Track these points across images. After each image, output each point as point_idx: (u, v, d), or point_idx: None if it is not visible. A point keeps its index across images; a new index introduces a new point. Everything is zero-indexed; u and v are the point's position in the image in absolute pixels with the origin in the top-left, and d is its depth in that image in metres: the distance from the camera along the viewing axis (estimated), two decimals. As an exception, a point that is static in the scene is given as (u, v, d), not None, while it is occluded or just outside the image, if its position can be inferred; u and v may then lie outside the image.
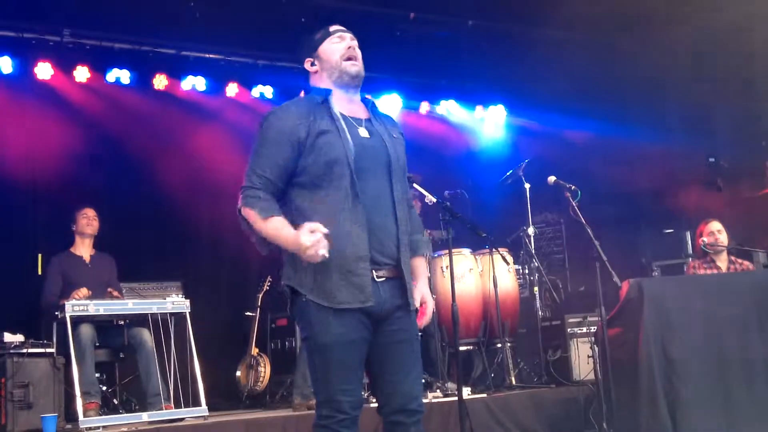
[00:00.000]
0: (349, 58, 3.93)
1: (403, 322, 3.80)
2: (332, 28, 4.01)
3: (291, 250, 3.61)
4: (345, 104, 3.92)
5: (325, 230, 3.52)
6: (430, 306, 3.98)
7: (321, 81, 3.95)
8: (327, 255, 3.52)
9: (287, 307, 3.80)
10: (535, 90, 10.87)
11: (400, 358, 3.79)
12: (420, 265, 4.01)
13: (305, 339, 3.75)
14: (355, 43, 3.99)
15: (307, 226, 3.54)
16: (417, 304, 3.88)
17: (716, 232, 8.07)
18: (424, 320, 3.95)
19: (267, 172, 3.72)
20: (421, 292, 3.94)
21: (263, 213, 3.66)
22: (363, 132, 3.85)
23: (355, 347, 3.69)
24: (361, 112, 3.97)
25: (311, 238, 3.50)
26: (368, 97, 4.05)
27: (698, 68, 10.09)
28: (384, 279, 3.74)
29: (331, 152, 3.70)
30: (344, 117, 3.84)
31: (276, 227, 3.64)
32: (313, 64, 3.99)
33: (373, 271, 3.71)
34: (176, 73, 9.84)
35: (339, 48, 3.94)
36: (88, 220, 7.96)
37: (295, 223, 3.64)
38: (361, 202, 3.69)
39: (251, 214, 3.68)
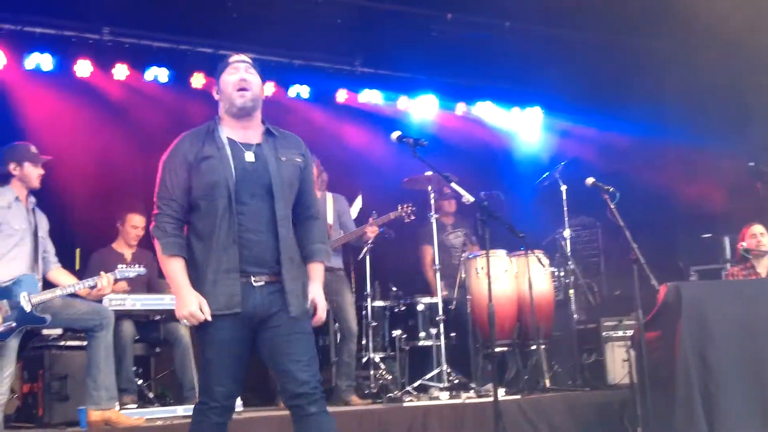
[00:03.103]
0: (239, 89, 4.24)
1: (288, 320, 4.17)
2: (231, 59, 4.36)
3: (174, 290, 4.12)
4: (239, 131, 4.28)
5: (203, 318, 4.04)
6: (321, 307, 4.35)
7: (221, 108, 4.32)
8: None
9: None
10: (572, 92, 10.83)
11: (289, 350, 4.16)
12: (314, 269, 4.39)
13: (196, 334, 4.25)
14: (250, 72, 4.33)
15: (195, 303, 4.03)
16: (308, 305, 4.28)
17: (758, 234, 7.99)
18: (314, 320, 4.34)
19: (173, 195, 4.15)
20: (313, 294, 4.33)
21: (165, 249, 4.13)
22: (249, 156, 4.21)
23: (229, 346, 4.14)
24: (255, 137, 4.30)
25: (186, 316, 4.05)
26: (267, 126, 4.37)
27: (738, 70, 9.99)
28: (263, 283, 4.14)
29: (212, 175, 4.11)
30: (233, 143, 4.22)
31: (174, 270, 4.12)
32: (217, 93, 4.35)
33: (251, 277, 4.11)
34: (214, 71, 9.85)
35: (232, 80, 4.27)
36: (137, 232, 8.03)
37: (189, 236, 4.18)
38: (237, 221, 4.09)
39: (156, 244, 4.15)
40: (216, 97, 4.35)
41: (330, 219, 8.06)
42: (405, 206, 8.32)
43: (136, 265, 6.79)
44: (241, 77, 4.27)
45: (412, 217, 8.39)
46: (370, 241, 8.31)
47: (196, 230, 4.17)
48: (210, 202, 4.11)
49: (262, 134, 4.33)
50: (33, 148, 6.31)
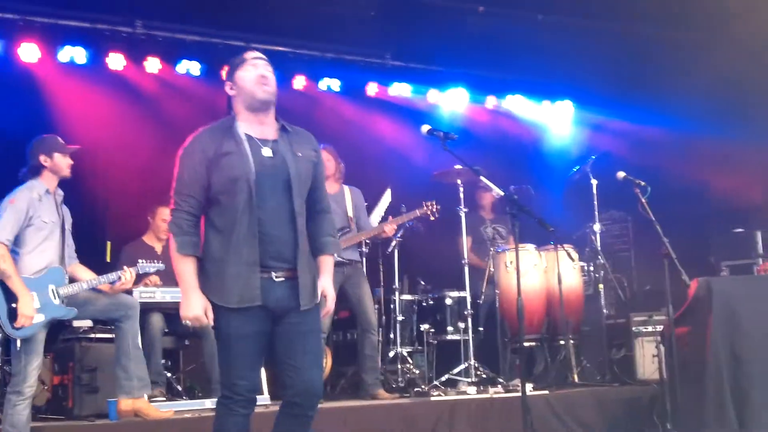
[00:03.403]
0: (260, 85, 4.31)
1: (304, 316, 4.27)
2: (247, 55, 4.43)
3: (182, 291, 4.19)
4: (256, 126, 4.35)
5: (206, 322, 4.16)
6: (330, 299, 4.44)
7: (237, 104, 4.36)
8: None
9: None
10: (603, 85, 10.76)
11: (303, 347, 4.27)
12: (325, 262, 4.47)
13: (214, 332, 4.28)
14: (268, 69, 4.40)
15: (201, 308, 4.13)
16: (318, 299, 4.37)
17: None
18: (324, 311, 4.44)
19: (191, 191, 4.21)
20: (322, 286, 4.41)
21: (180, 248, 4.21)
22: (267, 152, 4.28)
23: (251, 340, 4.22)
24: (271, 133, 4.37)
25: (192, 318, 4.16)
26: (282, 122, 4.44)
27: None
28: (283, 279, 4.22)
29: (233, 171, 4.17)
30: (250, 139, 4.28)
31: (185, 270, 4.18)
32: (231, 89, 4.38)
33: (272, 272, 4.20)
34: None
35: (252, 75, 4.32)
36: (167, 225, 8.05)
37: (207, 230, 4.26)
38: (257, 215, 4.17)
39: (171, 240, 4.23)
40: (231, 92, 4.39)
41: (350, 211, 8.04)
42: (429, 204, 8.26)
43: (159, 261, 6.83)
44: (261, 73, 4.34)
45: (437, 216, 8.33)
46: (398, 235, 8.32)
47: (214, 225, 4.23)
48: (230, 198, 4.16)
49: (277, 130, 4.40)
50: (59, 140, 6.36)
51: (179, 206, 4.23)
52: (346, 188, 8.13)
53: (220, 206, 4.20)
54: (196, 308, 4.13)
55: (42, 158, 6.17)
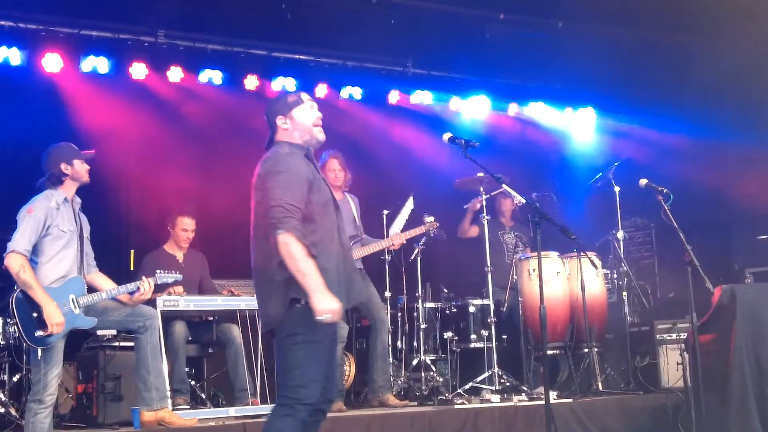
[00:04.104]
0: (318, 127, 4.75)
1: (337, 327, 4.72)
2: (303, 96, 4.80)
3: (309, 292, 4.30)
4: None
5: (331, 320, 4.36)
6: None
7: (289, 137, 4.72)
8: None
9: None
10: (625, 92, 10.74)
11: (335, 357, 4.77)
12: None
13: (291, 336, 4.43)
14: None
15: (337, 303, 4.33)
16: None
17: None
18: None
19: (296, 202, 4.44)
20: None
21: (306, 250, 4.37)
22: None
23: (331, 347, 4.62)
24: None
25: (334, 311, 4.33)
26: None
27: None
28: None
29: (325, 194, 4.62)
30: None
31: (313, 270, 4.33)
32: (285, 123, 4.73)
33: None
34: (267, 74, 9.97)
35: (313, 116, 4.75)
36: (187, 234, 8.09)
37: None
38: (341, 236, 4.66)
39: (294, 245, 4.33)
40: (283, 126, 4.73)
41: (357, 220, 8.01)
42: (430, 222, 8.22)
43: (177, 271, 6.83)
44: (318, 115, 4.76)
45: (438, 233, 8.32)
46: (421, 243, 8.32)
47: (310, 240, 4.45)
48: (324, 217, 4.55)
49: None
50: (74, 146, 6.37)
51: (293, 215, 4.41)
52: (348, 196, 8.08)
53: (315, 224, 4.50)
54: (335, 303, 4.33)
55: (63, 166, 6.18)
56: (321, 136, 4.74)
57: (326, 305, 4.30)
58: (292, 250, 4.32)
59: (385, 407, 7.53)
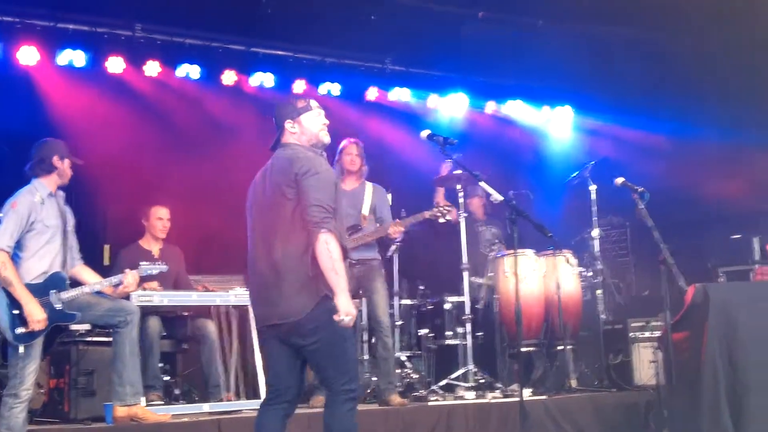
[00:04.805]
0: (325, 132, 4.98)
1: None
2: (312, 103, 4.99)
3: (337, 292, 4.53)
4: None
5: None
6: None
7: (297, 140, 4.92)
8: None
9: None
10: (603, 90, 10.78)
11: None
12: None
13: (336, 332, 4.58)
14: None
15: (353, 307, 4.56)
16: None
17: (787, 237, 7.91)
18: None
19: (332, 203, 4.67)
20: None
21: (342, 253, 4.63)
22: None
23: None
24: None
25: (355, 315, 4.59)
26: None
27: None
28: None
29: (340, 196, 4.86)
30: None
31: (344, 273, 4.58)
32: (293, 127, 4.93)
33: None
34: (245, 69, 9.95)
35: (319, 121, 4.96)
36: (163, 223, 8.03)
37: None
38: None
39: (333, 245, 4.56)
40: (291, 130, 4.91)
41: (366, 210, 7.88)
42: (441, 206, 8.05)
43: (160, 262, 6.82)
44: (325, 121, 4.98)
45: (448, 218, 8.11)
46: (398, 240, 8.28)
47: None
48: (340, 218, 4.80)
49: None
50: (66, 147, 6.38)
51: (331, 214, 4.64)
52: (368, 185, 7.94)
53: (336, 222, 4.68)
54: (354, 309, 4.58)
55: (56, 159, 6.19)
56: (327, 139, 4.96)
57: (350, 308, 4.52)
58: (332, 249, 4.53)
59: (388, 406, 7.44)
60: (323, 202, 4.60)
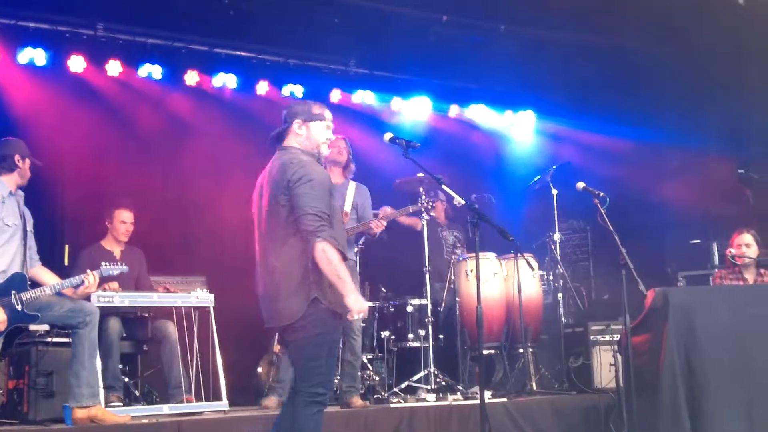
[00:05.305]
0: (326, 146, 5.11)
1: None
2: (326, 114, 5.08)
3: (346, 294, 4.64)
4: None
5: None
6: None
7: (299, 143, 5.00)
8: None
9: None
10: (565, 95, 10.86)
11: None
12: None
13: (313, 334, 4.73)
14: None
15: (364, 303, 4.77)
16: None
17: (744, 245, 7.98)
18: None
19: (327, 210, 4.73)
20: None
21: (341, 256, 4.70)
22: None
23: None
24: None
25: (365, 311, 4.80)
26: None
27: (734, 77, 10.00)
28: None
29: (337, 201, 4.99)
30: None
31: (348, 275, 4.69)
32: (300, 128, 5.00)
33: None
34: (208, 69, 9.90)
35: (325, 134, 5.06)
36: (126, 227, 7.97)
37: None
38: None
39: (331, 252, 4.63)
40: (298, 131, 4.99)
41: (347, 207, 7.87)
42: (427, 201, 8.14)
43: (121, 263, 6.78)
44: (331, 138, 5.11)
45: (432, 214, 8.40)
46: (360, 243, 8.28)
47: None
48: (337, 223, 4.86)
49: None
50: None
51: (328, 224, 4.71)
52: (352, 183, 7.96)
53: (332, 228, 4.74)
54: (365, 303, 4.78)
55: (17, 158, 6.14)
56: (326, 151, 5.12)
57: (361, 305, 4.69)
58: (331, 256, 4.62)
59: (349, 409, 7.42)
60: (318, 210, 4.68)
